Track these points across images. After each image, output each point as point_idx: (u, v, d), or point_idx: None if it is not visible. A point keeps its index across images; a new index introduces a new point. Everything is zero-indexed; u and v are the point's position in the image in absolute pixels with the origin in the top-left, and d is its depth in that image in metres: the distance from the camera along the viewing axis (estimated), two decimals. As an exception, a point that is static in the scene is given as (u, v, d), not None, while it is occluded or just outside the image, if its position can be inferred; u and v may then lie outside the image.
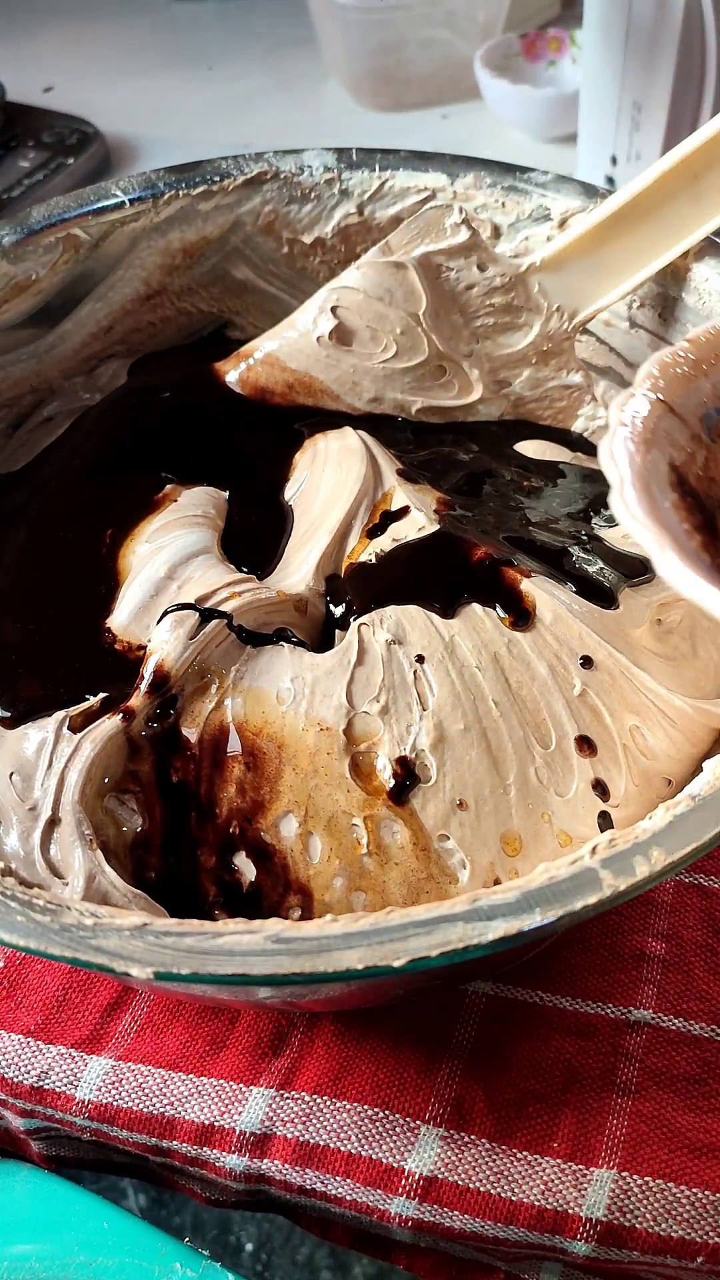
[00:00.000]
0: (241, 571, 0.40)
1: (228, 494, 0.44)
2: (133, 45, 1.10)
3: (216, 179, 0.50)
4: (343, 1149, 0.38)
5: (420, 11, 0.89)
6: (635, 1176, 0.37)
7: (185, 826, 0.35)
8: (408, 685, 0.36)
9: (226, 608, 0.37)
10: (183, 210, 0.50)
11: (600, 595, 0.39)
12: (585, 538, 0.42)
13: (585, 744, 0.36)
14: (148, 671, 0.36)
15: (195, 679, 0.36)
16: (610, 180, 0.76)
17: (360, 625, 0.37)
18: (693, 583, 0.24)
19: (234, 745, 0.35)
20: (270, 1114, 0.39)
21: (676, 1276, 0.37)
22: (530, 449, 0.49)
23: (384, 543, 0.40)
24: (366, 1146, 0.38)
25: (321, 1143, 0.38)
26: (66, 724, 0.35)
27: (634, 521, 0.25)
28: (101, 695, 0.36)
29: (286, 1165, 0.38)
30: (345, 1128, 0.38)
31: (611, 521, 0.45)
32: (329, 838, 0.34)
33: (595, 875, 0.27)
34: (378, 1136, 0.38)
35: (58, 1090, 0.40)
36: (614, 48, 0.68)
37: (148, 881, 0.34)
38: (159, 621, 0.37)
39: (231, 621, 0.37)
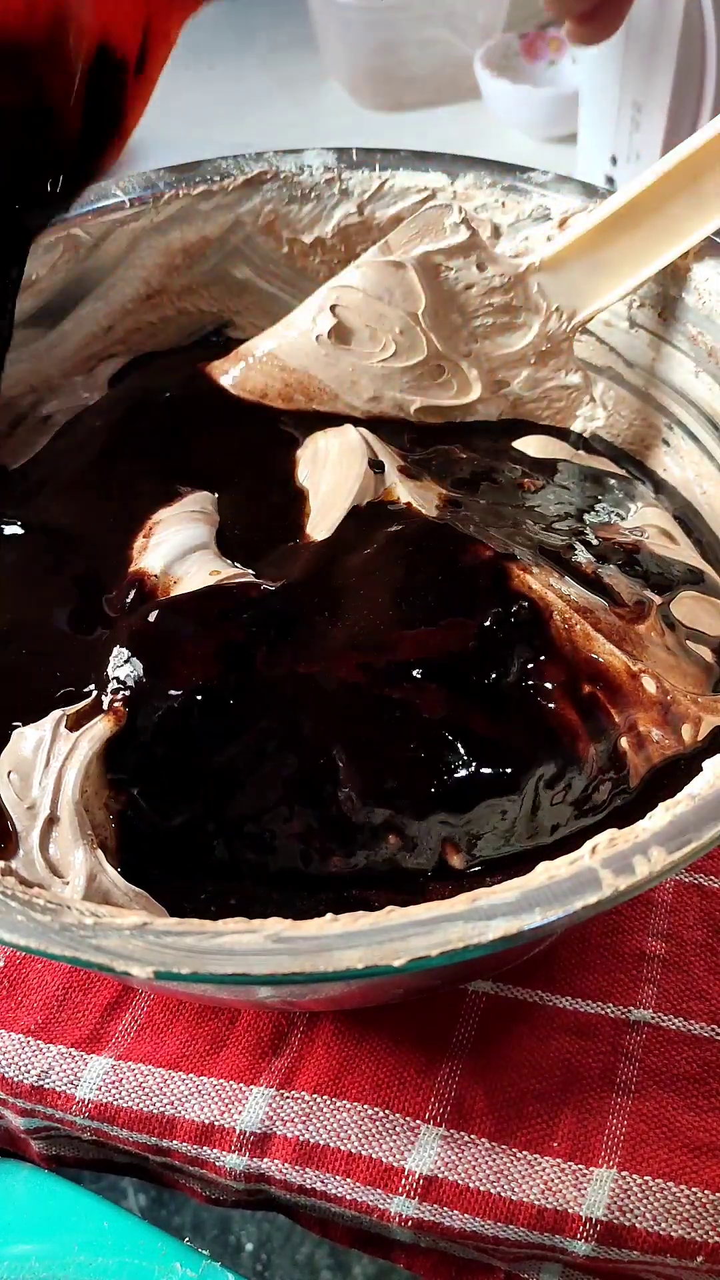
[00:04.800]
0: (238, 567, 0.40)
1: (229, 492, 0.44)
2: (132, 45, 1.09)
3: (216, 179, 0.50)
4: (343, 1148, 0.38)
5: (420, 11, 0.89)
6: (635, 1176, 0.37)
7: None
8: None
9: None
10: (183, 210, 0.50)
11: (604, 592, 0.39)
12: (588, 535, 0.42)
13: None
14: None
15: None
16: (610, 180, 0.76)
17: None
18: None
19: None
20: (270, 1113, 0.39)
21: (676, 1276, 0.37)
22: (531, 446, 0.49)
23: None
24: (366, 1146, 0.38)
25: (321, 1142, 0.38)
26: (64, 722, 0.35)
27: None
28: (98, 693, 0.36)
29: (286, 1165, 0.38)
30: (345, 1127, 0.38)
31: (613, 518, 0.45)
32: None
33: (595, 875, 0.27)
34: (378, 1136, 0.38)
35: (58, 1090, 0.40)
36: (614, 48, 0.68)
37: None
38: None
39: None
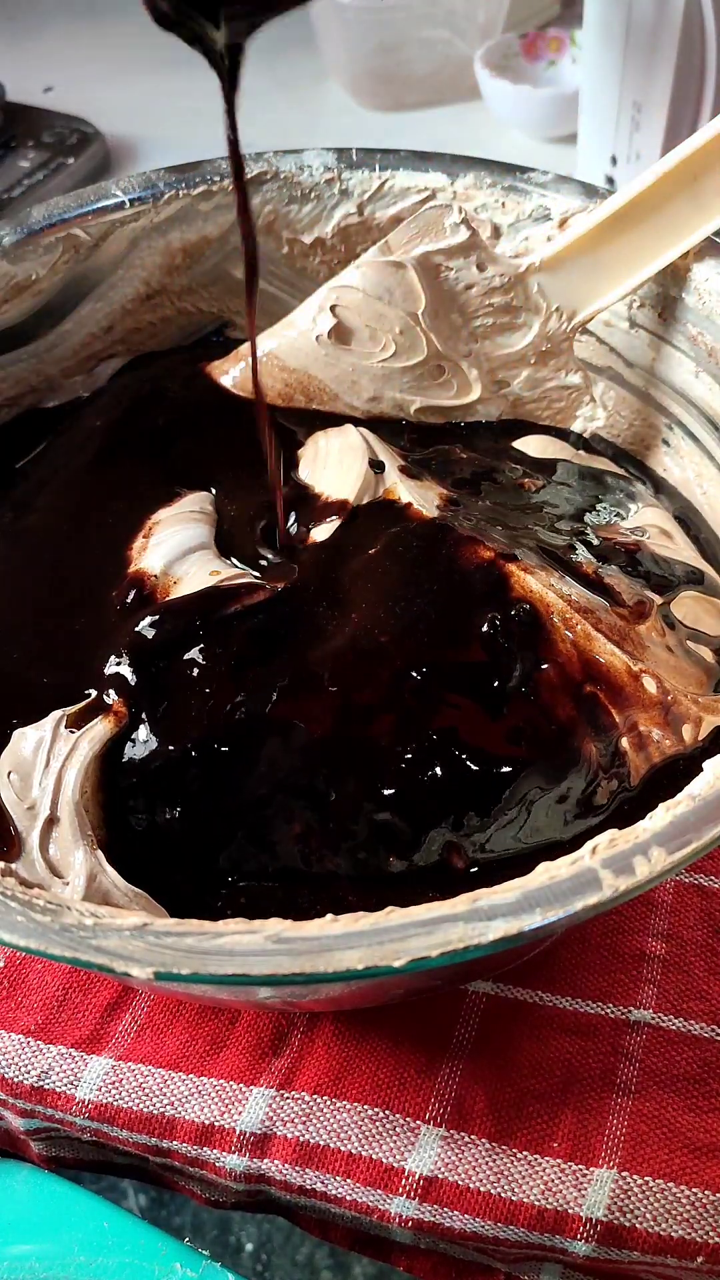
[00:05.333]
0: (239, 567, 0.40)
1: (229, 492, 0.44)
2: (133, 45, 1.09)
3: (216, 179, 0.50)
4: (343, 1149, 0.38)
5: (420, 11, 0.89)
6: (635, 1176, 0.37)
7: None
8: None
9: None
10: (183, 210, 0.50)
11: (605, 592, 0.39)
12: (589, 535, 0.42)
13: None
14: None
15: None
16: (610, 180, 0.76)
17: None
18: None
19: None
20: (270, 1114, 0.39)
21: (677, 1276, 0.37)
22: (531, 446, 0.49)
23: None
24: (366, 1146, 0.38)
25: (322, 1143, 0.38)
26: (64, 722, 0.35)
27: None
28: (98, 693, 0.36)
29: (287, 1165, 0.38)
30: (345, 1128, 0.38)
31: (613, 518, 0.45)
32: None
33: (595, 875, 0.27)
34: (378, 1136, 0.38)
35: (58, 1090, 0.40)
36: (614, 48, 0.68)
37: None
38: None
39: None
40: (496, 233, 0.48)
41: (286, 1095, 0.39)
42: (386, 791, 0.35)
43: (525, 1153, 0.38)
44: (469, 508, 0.42)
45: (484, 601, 0.37)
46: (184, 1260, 0.40)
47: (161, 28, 0.33)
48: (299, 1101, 0.39)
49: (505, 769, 0.35)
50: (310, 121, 0.97)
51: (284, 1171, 0.38)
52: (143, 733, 0.35)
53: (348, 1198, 0.38)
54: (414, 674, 0.36)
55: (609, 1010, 0.41)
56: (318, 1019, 0.41)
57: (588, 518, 0.44)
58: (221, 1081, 0.40)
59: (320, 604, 0.39)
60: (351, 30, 0.90)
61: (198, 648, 0.37)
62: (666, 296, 0.45)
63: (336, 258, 0.52)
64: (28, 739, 0.36)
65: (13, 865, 0.33)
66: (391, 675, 0.36)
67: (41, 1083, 0.40)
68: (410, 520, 0.41)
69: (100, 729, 0.35)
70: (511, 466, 0.46)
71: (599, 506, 0.45)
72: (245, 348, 0.50)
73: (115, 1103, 0.40)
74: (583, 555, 0.41)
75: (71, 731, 0.35)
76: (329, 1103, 0.39)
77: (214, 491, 0.44)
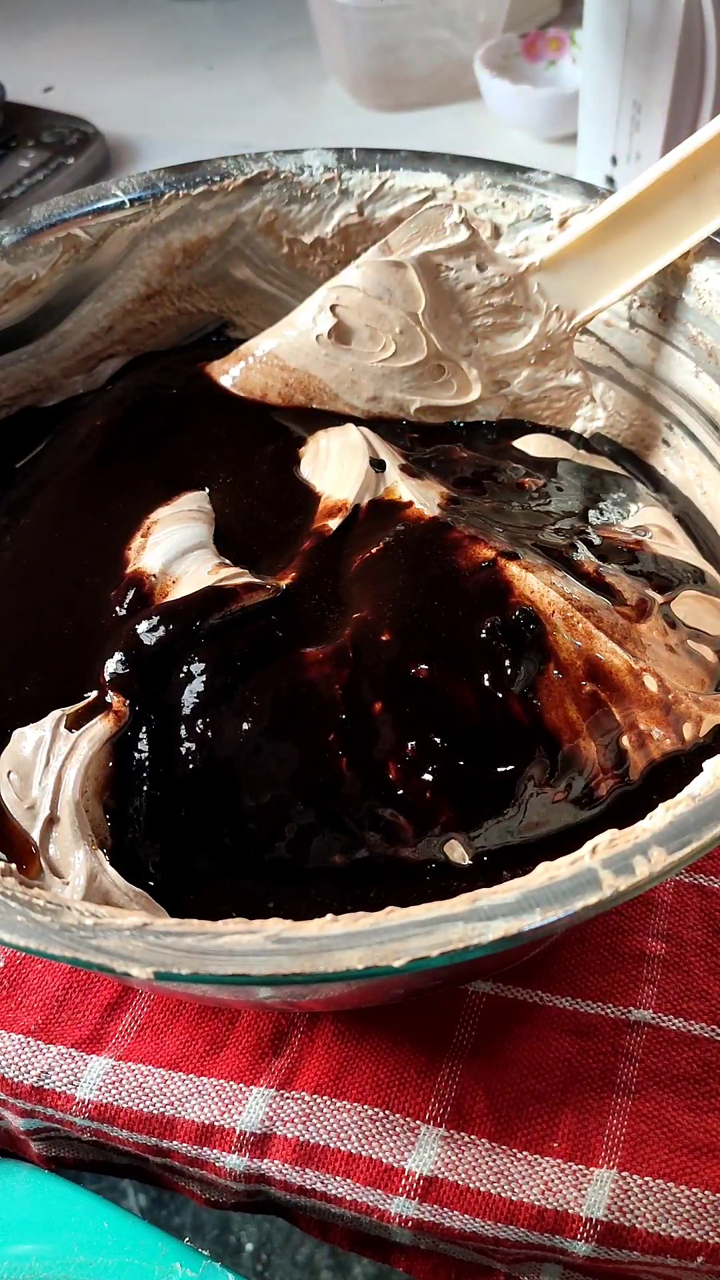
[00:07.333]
0: (238, 566, 0.40)
1: (229, 491, 0.44)
2: (133, 45, 1.10)
3: (216, 179, 0.50)
4: (343, 1149, 0.38)
5: (420, 11, 0.89)
6: (635, 1176, 0.37)
7: None
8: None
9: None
10: (183, 210, 0.50)
11: (606, 591, 0.39)
12: (590, 534, 0.42)
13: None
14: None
15: None
16: (610, 180, 0.76)
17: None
18: None
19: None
20: (270, 1114, 0.39)
21: (676, 1276, 0.37)
22: (532, 445, 0.49)
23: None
24: (366, 1146, 0.38)
25: (321, 1142, 0.38)
26: (64, 722, 0.35)
27: None
28: (97, 693, 0.36)
29: (286, 1165, 0.38)
30: (345, 1128, 0.38)
31: (614, 517, 0.45)
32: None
33: (595, 875, 0.27)
34: (378, 1136, 0.38)
35: (58, 1090, 0.40)
36: (614, 48, 0.68)
37: None
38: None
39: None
40: (496, 233, 0.48)
41: (286, 1095, 0.39)
42: (388, 790, 0.35)
43: (525, 1153, 0.38)
44: (470, 507, 0.42)
45: (485, 600, 0.37)
46: (184, 1260, 0.40)
47: None
48: (299, 1101, 0.39)
49: (506, 767, 0.35)
50: (310, 121, 0.97)
51: (284, 1171, 0.38)
52: (143, 732, 0.35)
53: (348, 1198, 0.38)
54: (415, 672, 0.36)
55: (609, 1010, 0.41)
56: (318, 1019, 0.41)
57: (589, 517, 0.44)
58: (221, 1081, 0.40)
59: (321, 603, 0.39)
60: (351, 30, 0.90)
61: (197, 648, 0.37)
62: (666, 296, 0.45)
63: (336, 258, 0.52)
64: (27, 739, 0.36)
65: (12, 865, 0.33)
66: (393, 674, 0.36)
67: (41, 1083, 0.40)
68: (411, 519, 0.41)
69: (100, 729, 0.35)
70: (512, 466, 0.46)
71: (600, 506, 0.45)
72: (245, 347, 0.50)
73: (115, 1103, 0.40)
74: (584, 554, 0.41)
75: (71, 731, 0.35)
76: (329, 1103, 0.39)
77: (213, 490, 0.44)
